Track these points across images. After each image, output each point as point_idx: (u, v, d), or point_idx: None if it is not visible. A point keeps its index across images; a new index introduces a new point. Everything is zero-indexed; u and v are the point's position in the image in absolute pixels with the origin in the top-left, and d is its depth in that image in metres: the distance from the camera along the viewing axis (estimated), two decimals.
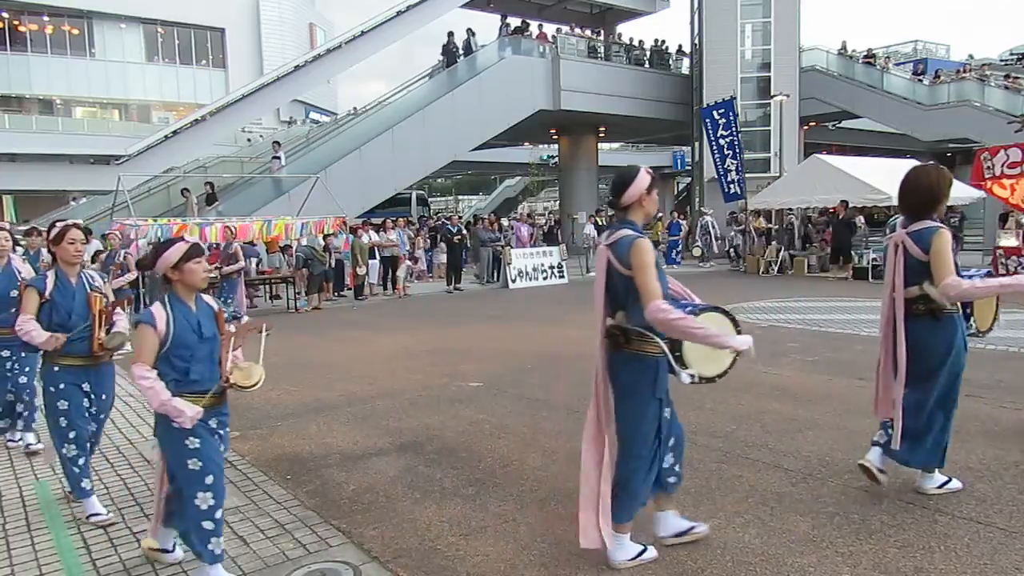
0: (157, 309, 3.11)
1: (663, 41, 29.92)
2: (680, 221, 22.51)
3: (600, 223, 21.14)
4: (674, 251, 21.67)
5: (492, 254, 17.76)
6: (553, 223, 25.23)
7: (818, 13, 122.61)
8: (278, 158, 19.51)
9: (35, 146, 30.27)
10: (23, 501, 4.28)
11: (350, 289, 15.69)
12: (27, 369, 5.14)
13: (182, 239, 3.22)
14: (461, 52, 23.66)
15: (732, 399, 6.08)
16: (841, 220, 16.97)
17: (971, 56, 37.66)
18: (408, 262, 17.36)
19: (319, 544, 3.58)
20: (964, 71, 27.31)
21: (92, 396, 4.01)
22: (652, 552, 3.32)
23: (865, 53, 28.85)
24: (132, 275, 9.72)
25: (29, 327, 3.89)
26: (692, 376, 3.09)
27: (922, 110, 26.00)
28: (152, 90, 37.73)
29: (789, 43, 26.70)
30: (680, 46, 30.57)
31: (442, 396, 6.54)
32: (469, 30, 23.91)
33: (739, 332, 3.19)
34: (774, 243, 19.29)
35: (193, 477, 3.07)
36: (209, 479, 3.09)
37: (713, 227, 22.25)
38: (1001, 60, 38.90)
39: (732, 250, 21.10)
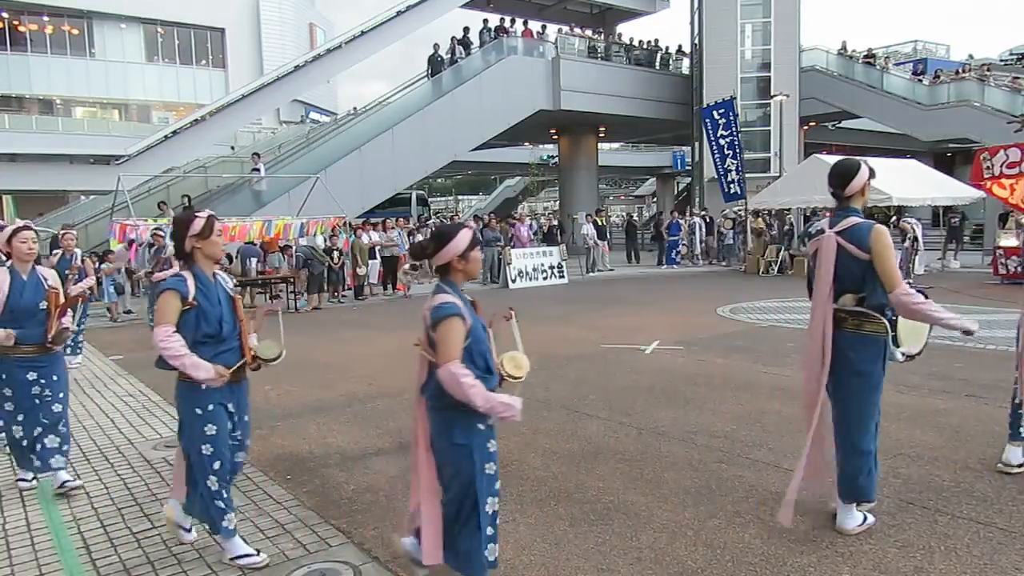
0: (455, 299, 2.74)
1: (657, 40, 29.95)
2: (679, 221, 22.55)
3: (600, 223, 21.21)
4: (673, 251, 21.68)
5: (494, 254, 17.75)
6: (554, 223, 25.22)
7: (818, 13, 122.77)
8: (257, 169, 18.54)
9: (35, 146, 30.27)
10: (23, 501, 4.28)
11: (350, 289, 15.69)
12: (61, 395, 4.45)
13: (464, 226, 2.91)
14: (447, 63, 23.41)
15: (732, 399, 6.08)
16: None
17: (971, 56, 37.68)
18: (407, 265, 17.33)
19: (319, 544, 3.58)
20: (964, 71, 27.32)
21: (236, 418, 3.41)
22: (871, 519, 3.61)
23: (865, 53, 28.86)
24: (91, 280, 8.52)
25: (177, 347, 3.12)
26: (904, 354, 3.44)
27: (922, 110, 26.01)
28: (152, 90, 37.72)
29: (789, 43, 26.71)
30: (680, 46, 30.60)
31: None
32: (453, 38, 23.76)
33: None
34: (771, 242, 19.30)
35: (490, 480, 2.84)
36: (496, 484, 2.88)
37: (700, 228, 22.68)
38: (1001, 60, 38.92)
39: (717, 250, 21.81)
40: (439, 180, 60.28)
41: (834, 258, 3.43)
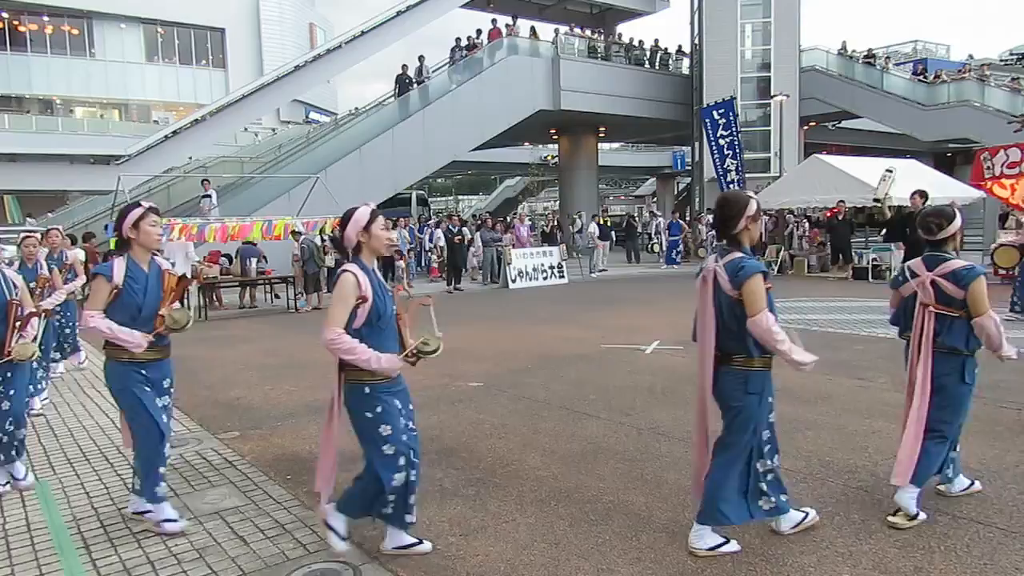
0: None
1: (657, 40, 29.95)
2: (679, 221, 22.57)
3: (606, 223, 21.44)
4: (674, 251, 21.70)
5: (494, 254, 17.77)
6: (555, 223, 25.22)
7: (818, 13, 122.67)
8: (208, 196, 16.66)
9: (35, 146, 30.26)
10: (23, 501, 4.28)
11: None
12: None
13: (955, 207, 3.80)
14: (415, 82, 22.93)
15: None
16: (842, 220, 16.96)
17: (971, 56, 37.68)
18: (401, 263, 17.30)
19: (319, 544, 3.57)
20: (964, 71, 27.33)
21: None
22: None
23: (865, 53, 28.87)
24: (81, 280, 7.52)
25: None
26: None
27: (922, 110, 26.02)
28: (152, 90, 37.71)
29: (789, 43, 26.73)
30: (680, 46, 30.60)
31: (442, 396, 6.54)
32: (421, 57, 23.43)
33: None
34: (770, 242, 19.32)
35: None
36: None
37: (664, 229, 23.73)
38: (1001, 60, 38.94)
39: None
40: (439, 180, 60.27)
41: None
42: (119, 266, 3.65)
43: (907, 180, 17.38)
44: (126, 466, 4.85)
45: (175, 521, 3.74)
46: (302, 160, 21.12)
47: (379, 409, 3.21)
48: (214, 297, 14.57)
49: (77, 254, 8.23)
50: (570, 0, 31.34)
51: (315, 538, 3.64)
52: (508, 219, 21.88)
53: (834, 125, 34.80)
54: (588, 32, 28.52)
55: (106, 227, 15.28)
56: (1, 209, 28.21)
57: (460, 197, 66.37)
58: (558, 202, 36.60)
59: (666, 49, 29.93)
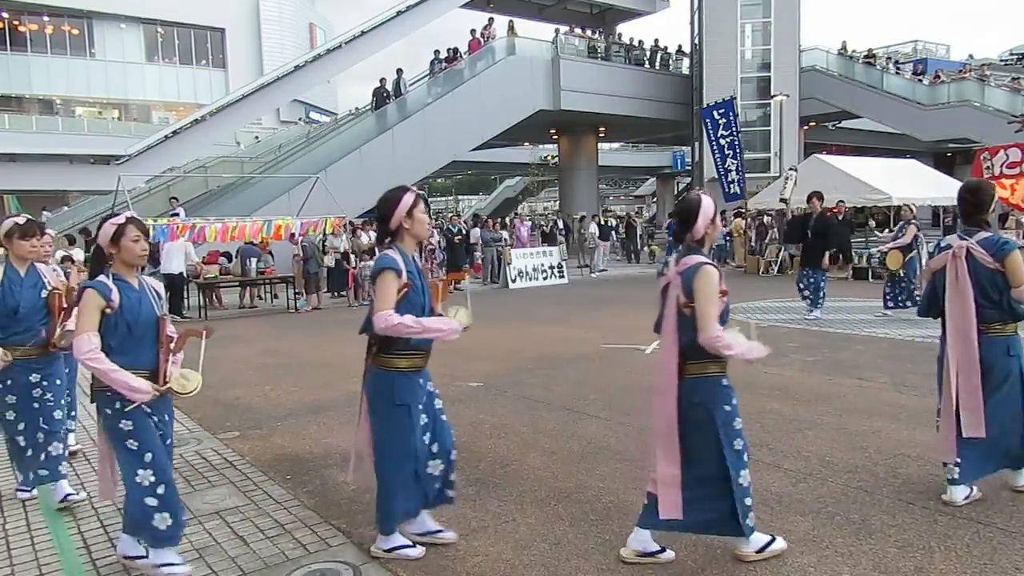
0: None
1: (657, 40, 29.97)
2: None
3: (607, 223, 21.43)
4: (673, 252, 21.72)
5: (495, 254, 17.78)
6: (555, 223, 25.22)
7: (818, 13, 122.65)
8: (176, 214, 16.04)
9: (35, 146, 30.23)
10: (23, 501, 4.27)
11: (350, 288, 15.68)
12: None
13: None
14: (392, 95, 22.58)
15: None
16: (842, 220, 16.95)
17: (971, 56, 37.71)
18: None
19: (319, 544, 3.58)
20: (964, 71, 27.35)
21: None
22: None
23: (865, 53, 28.91)
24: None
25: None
26: None
27: (922, 110, 26.04)
28: (152, 90, 37.70)
29: (789, 43, 26.76)
30: (680, 46, 30.61)
31: (442, 396, 6.52)
32: (399, 71, 23.08)
33: None
34: (770, 242, 19.31)
35: None
36: None
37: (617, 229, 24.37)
38: (1001, 60, 38.96)
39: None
40: (439, 180, 60.27)
41: None
42: (399, 260, 3.22)
43: (907, 180, 17.45)
44: None
45: (413, 547, 3.38)
46: (302, 160, 21.13)
47: (734, 402, 3.28)
48: (214, 297, 14.56)
49: (73, 254, 8.09)
50: (570, 0, 31.37)
51: (315, 538, 3.64)
52: (507, 220, 21.89)
53: (834, 125, 34.84)
54: (588, 32, 28.53)
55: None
56: (1, 209, 28.18)
57: (460, 197, 66.35)
58: (558, 202, 36.63)
59: (666, 49, 29.95)
